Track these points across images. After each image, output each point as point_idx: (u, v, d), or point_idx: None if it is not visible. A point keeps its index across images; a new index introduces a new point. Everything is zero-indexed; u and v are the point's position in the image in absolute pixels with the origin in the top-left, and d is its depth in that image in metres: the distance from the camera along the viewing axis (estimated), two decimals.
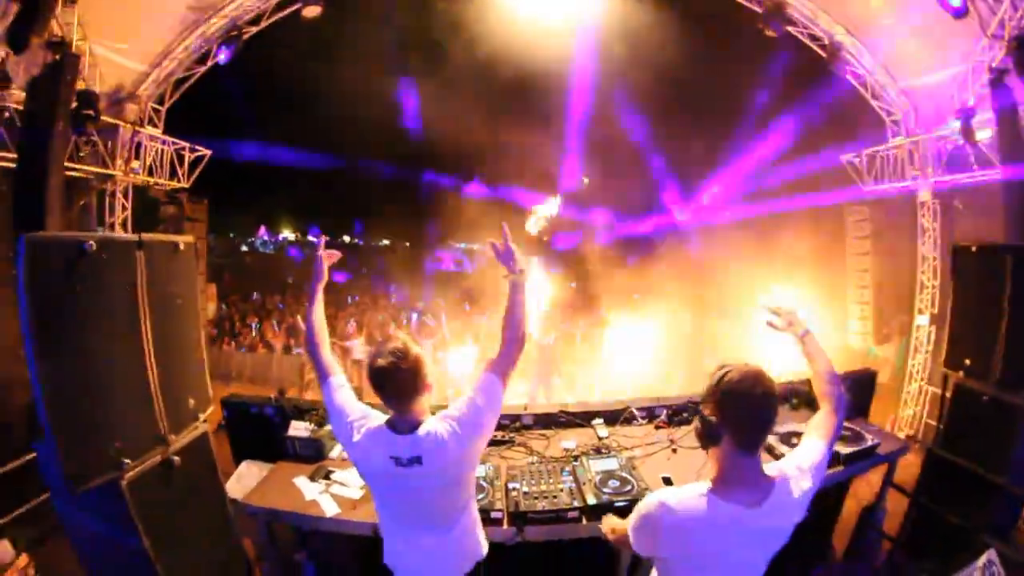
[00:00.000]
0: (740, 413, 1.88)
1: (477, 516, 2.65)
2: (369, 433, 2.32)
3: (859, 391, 4.95)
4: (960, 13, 6.05)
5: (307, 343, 2.67)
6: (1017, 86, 5.98)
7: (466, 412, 2.33)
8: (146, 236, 3.06)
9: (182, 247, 3.38)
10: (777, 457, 3.54)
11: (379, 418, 2.39)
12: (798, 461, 2.04)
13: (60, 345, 2.56)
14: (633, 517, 2.02)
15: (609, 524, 2.46)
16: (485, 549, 2.63)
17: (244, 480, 4.07)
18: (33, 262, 2.45)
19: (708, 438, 1.95)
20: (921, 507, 4.54)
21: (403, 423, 2.30)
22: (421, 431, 2.28)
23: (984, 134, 7.19)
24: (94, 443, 2.70)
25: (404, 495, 2.36)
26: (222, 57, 8.54)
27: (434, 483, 2.31)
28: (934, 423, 5.38)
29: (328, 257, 2.86)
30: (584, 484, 3.51)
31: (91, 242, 2.65)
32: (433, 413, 2.40)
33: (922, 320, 9.28)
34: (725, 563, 1.91)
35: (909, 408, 9.06)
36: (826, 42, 8.69)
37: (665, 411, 4.71)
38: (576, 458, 3.94)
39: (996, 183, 6.79)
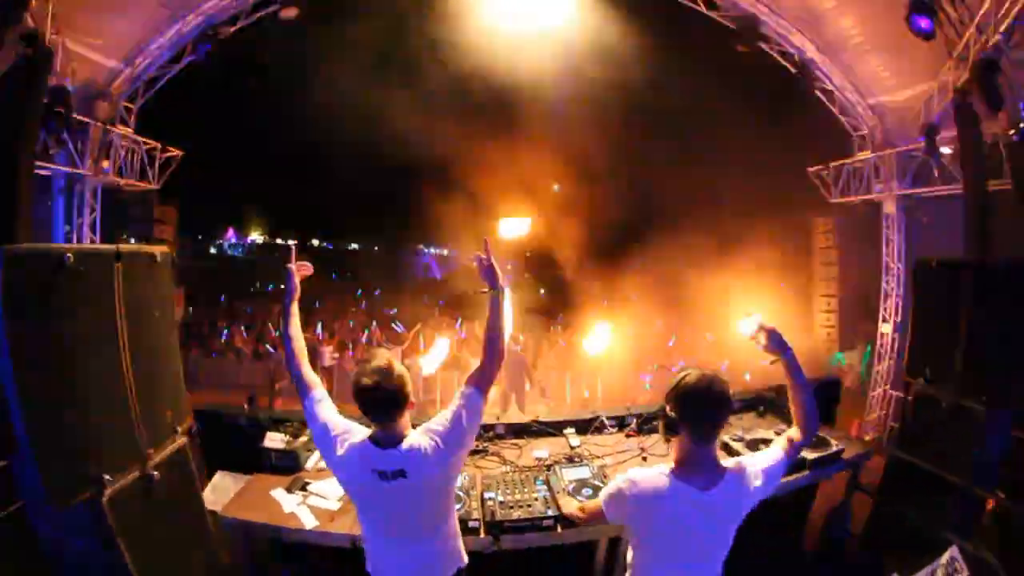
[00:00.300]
0: (695, 412, 2.20)
1: (457, 525, 2.69)
2: (352, 448, 2.35)
3: (824, 398, 5.08)
4: (928, 34, 6.24)
5: (287, 359, 2.67)
6: (979, 106, 6.18)
7: (449, 426, 2.39)
8: (124, 247, 3.04)
9: (159, 258, 3.35)
10: (735, 456, 3.74)
11: (361, 432, 2.42)
12: (756, 461, 2.34)
13: (37, 358, 2.53)
14: (605, 490, 2.37)
15: (577, 504, 2.84)
16: (466, 558, 2.67)
17: (219, 491, 4.04)
18: (10, 274, 2.41)
19: (669, 430, 2.29)
20: (885, 507, 4.64)
21: (387, 438, 2.34)
22: (404, 445, 2.32)
23: (947, 150, 7.43)
24: (74, 460, 2.68)
25: (388, 507, 2.39)
26: (197, 56, 8.42)
27: (418, 495, 2.36)
28: (898, 426, 5.55)
29: (300, 270, 2.88)
30: (558, 493, 3.55)
31: (70, 255, 2.64)
32: (414, 426, 2.44)
33: (886, 328, 9.56)
34: (683, 534, 2.21)
35: (874, 412, 9.31)
36: (797, 59, 8.90)
37: (635, 420, 4.81)
38: (549, 467, 3.99)
39: (958, 198, 7.01)
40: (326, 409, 2.50)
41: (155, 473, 3.14)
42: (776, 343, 2.50)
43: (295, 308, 2.77)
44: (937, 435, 4.35)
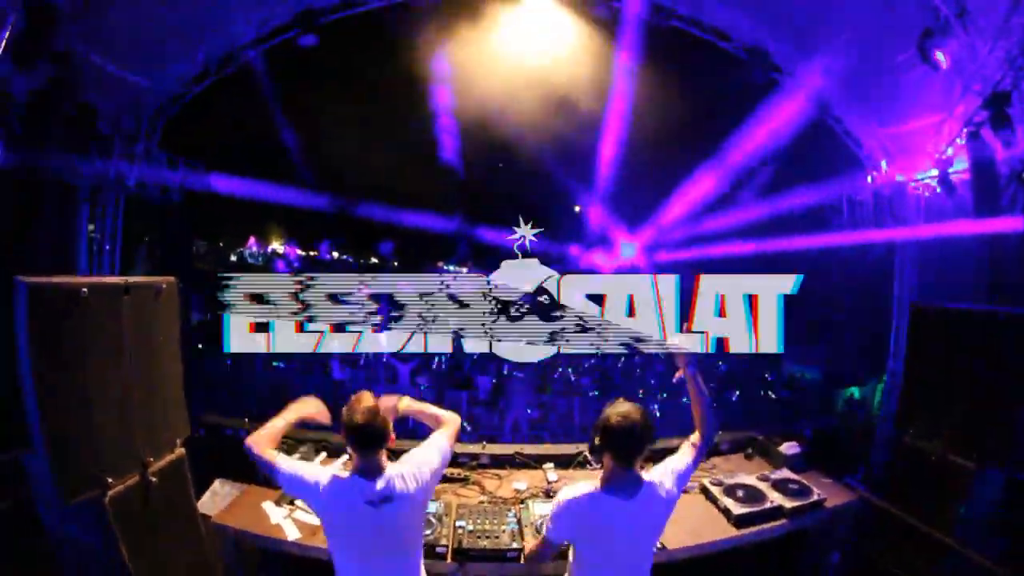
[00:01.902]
0: (616, 443, 2.64)
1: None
2: (337, 483, 2.69)
3: (816, 444, 5.19)
4: (943, 67, 6.11)
5: (248, 449, 2.87)
6: (993, 140, 6.09)
7: (425, 458, 2.85)
8: (132, 281, 3.37)
9: (165, 288, 3.67)
10: (712, 500, 4.19)
11: (337, 469, 2.85)
12: (667, 469, 2.81)
13: (55, 374, 2.85)
14: (549, 514, 2.80)
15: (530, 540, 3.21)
16: None
17: (217, 497, 4.30)
18: (33, 305, 2.74)
19: (595, 454, 2.75)
20: (870, 558, 4.50)
21: (371, 469, 2.70)
22: (387, 473, 2.71)
23: (961, 183, 7.24)
24: (81, 461, 2.98)
25: (373, 530, 2.71)
26: (225, 73, 8.62)
27: (401, 517, 2.74)
28: (882, 473, 5.39)
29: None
30: (526, 527, 3.78)
31: (84, 289, 2.97)
32: (390, 458, 2.82)
33: (895, 365, 9.41)
34: (615, 540, 2.67)
35: (880, 452, 9.16)
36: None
37: None
38: (523, 501, 4.19)
39: (970, 235, 6.86)
40: (292, 465, 2.80)
41: (153, 479, 3.42)
42: (685, 359, 3.06)
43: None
44: (924, 488, 4.23)
